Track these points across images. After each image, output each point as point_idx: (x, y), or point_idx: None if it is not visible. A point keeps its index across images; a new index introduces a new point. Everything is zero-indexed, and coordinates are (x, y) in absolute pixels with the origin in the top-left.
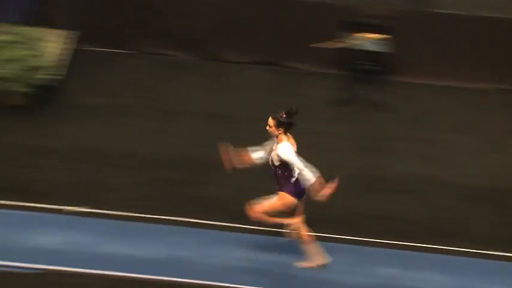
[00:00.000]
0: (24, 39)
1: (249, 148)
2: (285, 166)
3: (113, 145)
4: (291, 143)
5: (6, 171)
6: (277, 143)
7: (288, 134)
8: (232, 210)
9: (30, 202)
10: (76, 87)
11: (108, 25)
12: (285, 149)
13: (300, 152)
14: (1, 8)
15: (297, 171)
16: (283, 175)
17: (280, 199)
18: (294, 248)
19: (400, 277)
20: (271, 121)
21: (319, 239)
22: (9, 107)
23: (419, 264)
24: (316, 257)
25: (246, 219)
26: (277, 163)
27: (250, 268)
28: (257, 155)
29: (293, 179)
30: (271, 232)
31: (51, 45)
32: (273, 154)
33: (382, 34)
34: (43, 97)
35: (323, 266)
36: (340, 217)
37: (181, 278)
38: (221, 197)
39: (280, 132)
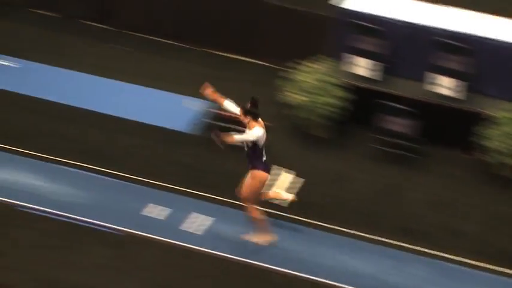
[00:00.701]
0: None
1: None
2: (255, 147)
3: None
4: (262, 127)
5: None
6: (249, 129)
7: (259, 120)
8: None
9: None
10: None
11: None
12: (254, 131)
13: None
14: (498, 86)
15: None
16: (255, 155)
17: (255, 177)
18: None
19: None
20: (240, 111)
21: None
22: (496, 177)
23: None
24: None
25: None
26: (250, 144)
27: None
28: (229, 105)
29: (264, 158)
30: None
31: None
32: None
33: None
34: None
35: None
36: None
37: None
38: None
39: (248, 120)
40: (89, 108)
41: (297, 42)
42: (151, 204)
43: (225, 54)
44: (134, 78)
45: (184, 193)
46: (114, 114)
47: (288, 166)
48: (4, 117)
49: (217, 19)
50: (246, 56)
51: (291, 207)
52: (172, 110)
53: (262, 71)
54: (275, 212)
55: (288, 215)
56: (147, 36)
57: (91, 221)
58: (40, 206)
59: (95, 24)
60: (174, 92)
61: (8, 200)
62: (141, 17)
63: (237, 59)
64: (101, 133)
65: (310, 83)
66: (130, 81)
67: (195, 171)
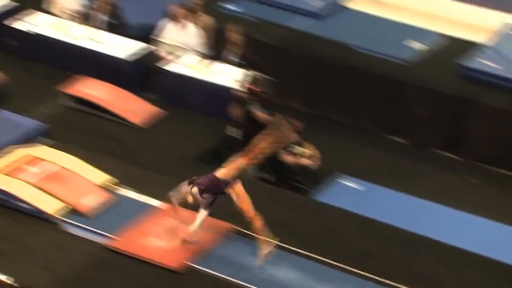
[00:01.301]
0: None
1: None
2: (207, 189)
3: None
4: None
5: None
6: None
7: None
8: None
9: None
10: None
11: None
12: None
13: None
14: None
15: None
16: (215, 190)
17: (238, 193)
18: None
19: None
20: (202, 208)
21: None
22: None
23: None
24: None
25: None
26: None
27: None
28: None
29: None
30: None
31: None
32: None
33: None
34: None
35: None
36: None
37: None
38: None
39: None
40: (427, 235)
41: None
42: None
43: None
44: (478, 210)
45: None
46: (452, 244)
47: None
48: (345, 238)
49: None
50: None
51: None
52: None
53: None
54: None
55: None
56: (495, 169)
57: None
58: None
59: (443, 152)
60: None
61: None
62: (491, 149)
63: None
64: (437, 261)
65: None
66: (474, 212)
67: None
